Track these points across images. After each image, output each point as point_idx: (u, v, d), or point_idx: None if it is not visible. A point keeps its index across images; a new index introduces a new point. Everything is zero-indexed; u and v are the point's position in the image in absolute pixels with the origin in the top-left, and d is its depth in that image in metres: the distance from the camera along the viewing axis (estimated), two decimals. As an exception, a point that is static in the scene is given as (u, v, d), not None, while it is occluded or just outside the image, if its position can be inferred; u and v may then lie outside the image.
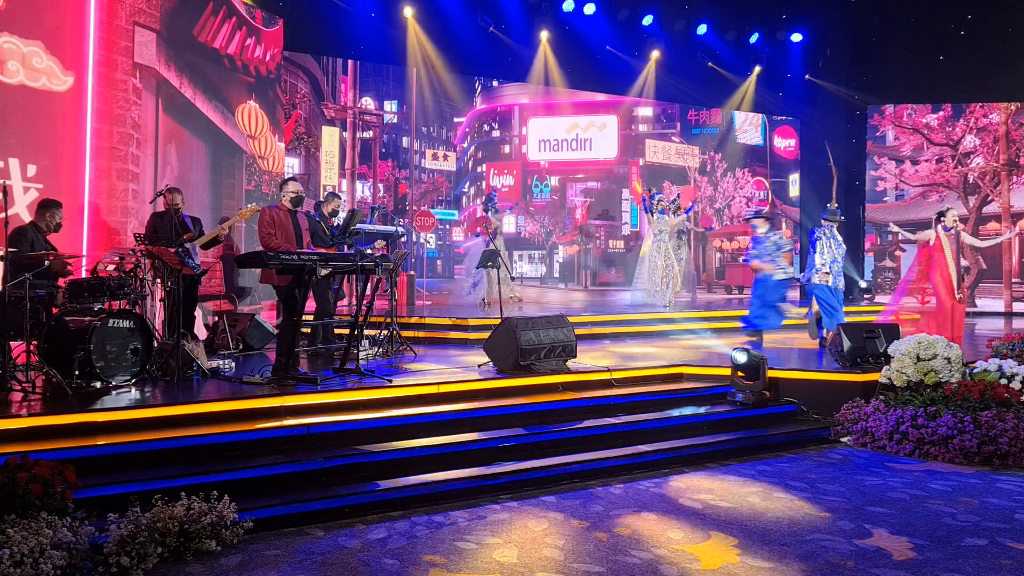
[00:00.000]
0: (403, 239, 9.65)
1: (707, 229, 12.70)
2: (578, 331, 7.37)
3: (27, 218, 6.88)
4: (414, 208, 27.48)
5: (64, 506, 3.73)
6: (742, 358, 6.66)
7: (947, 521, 4.50)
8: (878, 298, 15.40)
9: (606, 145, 29.53)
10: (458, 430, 5.55)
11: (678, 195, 13.40)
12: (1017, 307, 15.59)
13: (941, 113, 16.37)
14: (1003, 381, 6.37)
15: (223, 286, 9.49)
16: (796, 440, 6.39)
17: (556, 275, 27.68)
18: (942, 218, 8.54)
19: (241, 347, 8.08)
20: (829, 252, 8.69)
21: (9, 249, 5.79)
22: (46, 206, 6.48)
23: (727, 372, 6.89)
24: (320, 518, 4.38)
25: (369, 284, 7.27)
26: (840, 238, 8.97)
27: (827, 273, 8.64)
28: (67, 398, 5.25)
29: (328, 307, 8.06)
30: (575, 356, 7.07)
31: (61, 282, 6.24)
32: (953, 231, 8.46)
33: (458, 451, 5.26)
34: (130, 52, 8.40)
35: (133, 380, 5.79)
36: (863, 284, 12.35)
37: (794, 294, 11.94)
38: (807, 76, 16.01)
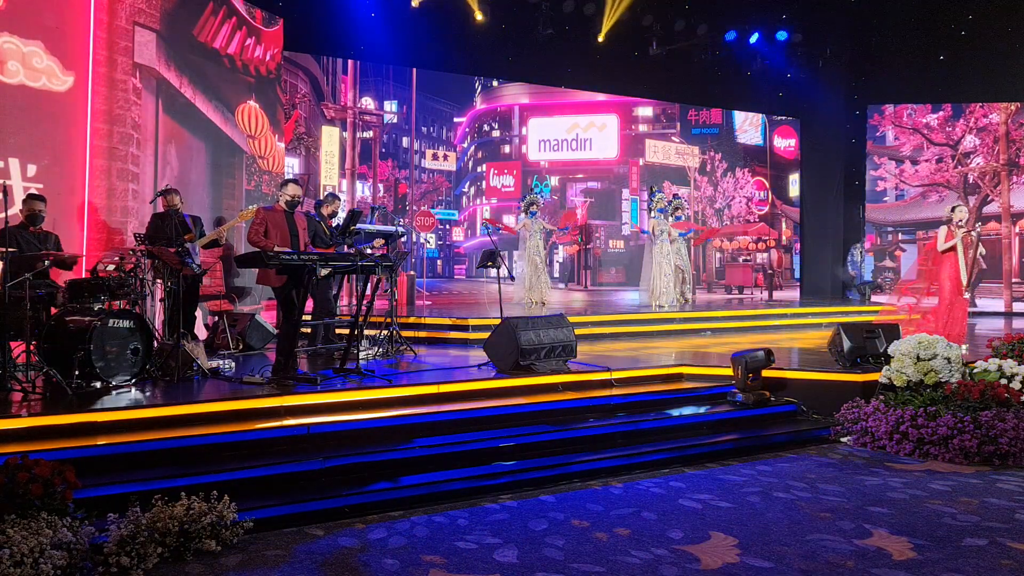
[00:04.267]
0: (403, 239, 9.64)
1: (683, 233, 12.63)
2: (578, 331, 7.37)
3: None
4: (414, 208, 27.48)
5: (64, 506, 3.72)
6: (761, 354, 6.67)
7: (947, 521, 4.50)
8: (878, 298, 15.41)
9: (606, 145, 29.51)
10: (458, 430, 5.55)
11: (674, 196, 13.38)
12: (1017, 307, 15.59)
13: (941, 113, 16.37)
14: (1003, 381, 6.36)
15: (223, 286, 9.49)
16: (796, 440, 6.39)
17: (556, 275, 27.68)
18: (952, 214, 8.43)
19: (241, 347, 8.08)
20: None
21: (10, 249, 5.78)
22: (25, 200, 6.50)
23: (727, 372, 6.89)
24: (320, 518, 4.37)
25: (369, 284, 7.26)
26: None
27: None
28: (67, 398, 5.25)
29: (330, 307, 8.05)
30: (575, 356, 7.07)
31: (61, 282, 6.22)
32: (974, 233, 8.32)
33: (458, 451, 5.25)
34: (130, 52, 8.39)
35: (133, 380, 5.79)
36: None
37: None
38: (807, 76, 16.02)
